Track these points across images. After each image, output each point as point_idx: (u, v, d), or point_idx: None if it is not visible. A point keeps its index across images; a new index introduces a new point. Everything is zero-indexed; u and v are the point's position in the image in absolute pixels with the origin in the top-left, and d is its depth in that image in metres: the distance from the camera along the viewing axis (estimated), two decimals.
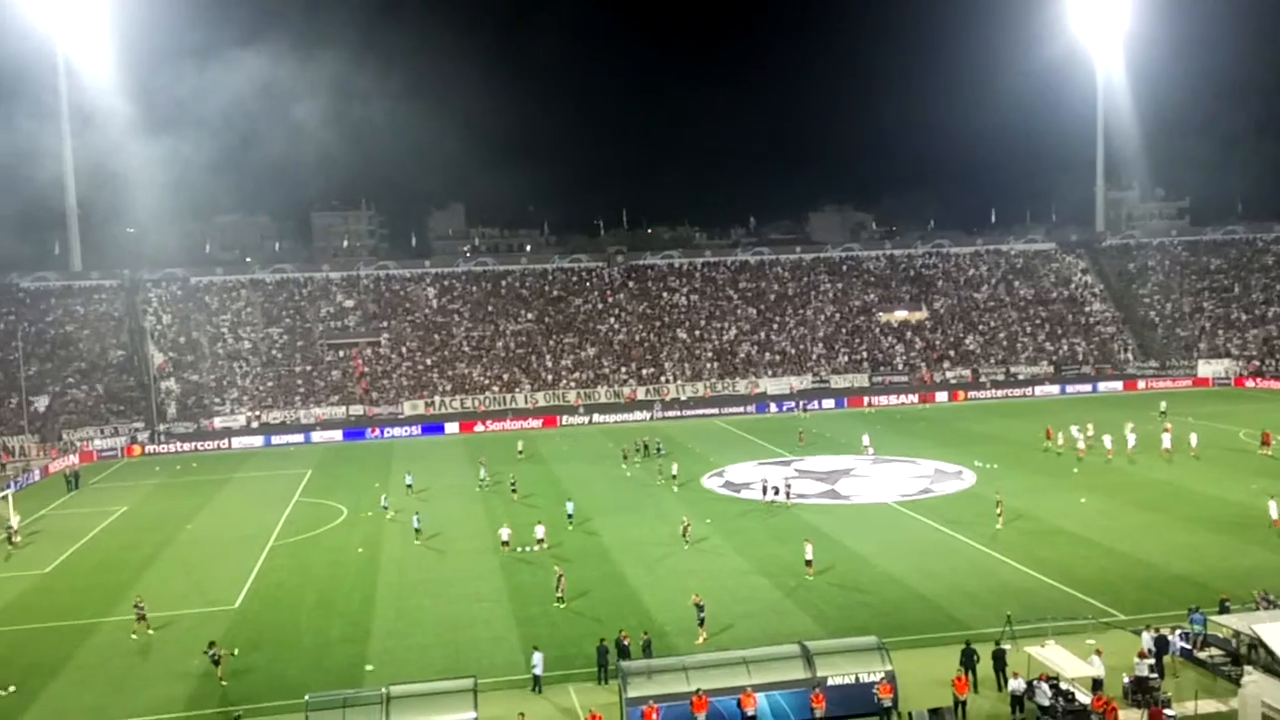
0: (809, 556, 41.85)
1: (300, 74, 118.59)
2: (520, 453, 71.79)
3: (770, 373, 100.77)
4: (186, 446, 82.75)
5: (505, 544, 47.30)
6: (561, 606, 38.95)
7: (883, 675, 28.89)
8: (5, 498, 57.25)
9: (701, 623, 35.23)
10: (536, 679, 31.64)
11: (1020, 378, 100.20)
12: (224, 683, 33.01)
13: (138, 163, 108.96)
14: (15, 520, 54.11)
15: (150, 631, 37.86)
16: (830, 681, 28.96)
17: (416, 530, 50.25)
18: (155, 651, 36.20)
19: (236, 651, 34.56)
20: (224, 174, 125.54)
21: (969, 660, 30.30)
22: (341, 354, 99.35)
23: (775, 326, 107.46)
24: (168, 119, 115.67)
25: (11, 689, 33.20)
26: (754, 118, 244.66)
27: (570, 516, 51.60)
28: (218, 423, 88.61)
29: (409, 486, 61.36)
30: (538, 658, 31.77)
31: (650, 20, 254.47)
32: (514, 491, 58.04)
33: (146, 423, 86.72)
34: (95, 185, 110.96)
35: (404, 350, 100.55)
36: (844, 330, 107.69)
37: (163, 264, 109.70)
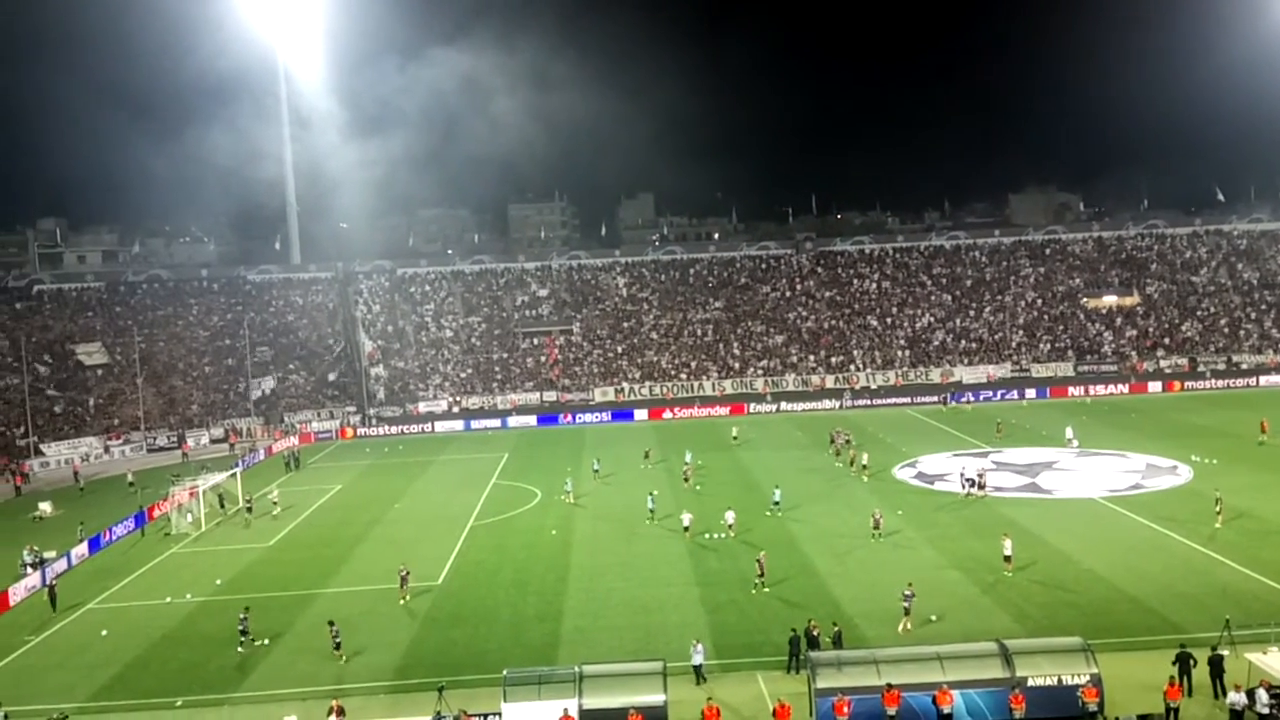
0: (1008, 552, 40.31)
1: (498, 71, 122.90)
2: (735, 438, 72.22)
3: (966, 361, 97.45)
4: (394, 430, 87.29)
5: (686, 529, 47.77)
6: (763, 590, 38.93)
7: (1088, 678, 27.56)
8: (235, 475, 61.94)
9: (906, 611, 34.69)
10: (697, 669, 31.43)
11: (1244, 367, 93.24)
12: (240, 650, 35.56)
13: (348, 161, 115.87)
14: (275, 493, 58.86)
15: (407, 598, 40.16)
16: (1031, 682, 27.83)
17: (650, 511, 50.90)
18: (365, 623, 38.38)
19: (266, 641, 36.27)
20: (427, 169, 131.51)
21: (1184, 666, 28.54)
22: (536, 341, 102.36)
23: (971, 313, 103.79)
24: (375, 119, 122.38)
25: (265, 641, 36.37)
26: (949, 96, 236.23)
27: (777, 503, 51.39)
28: (422, 407, 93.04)
29: (596, 471, 62.76)
30: (699, 648, 31.67)
31: (837, 2, 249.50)
32: (685, 480, 58.03)
33: (358, 407, 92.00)
34: (311, 184, 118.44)
35: (595, 338, 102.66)
36: (1046, 317, 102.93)
37: (372, 256, 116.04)
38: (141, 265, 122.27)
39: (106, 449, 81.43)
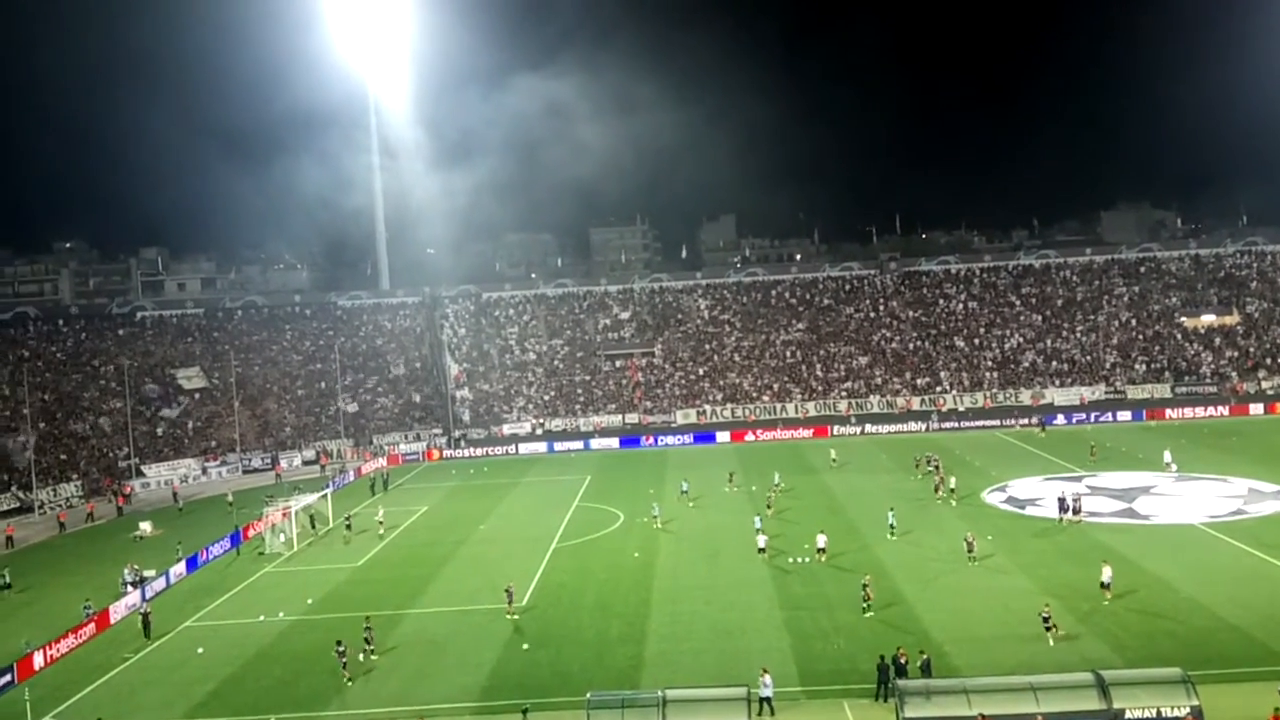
0: (1107, 579, 39.11)
1: (580, 95, 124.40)
2: (834, 461, 71.53)
3: (1057, 382, 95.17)
4: (479, 451, 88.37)
5: (761, 551, 47.41)
6: (866, 614, 38.45)
7: (1188, 710, 26.61)
8: (325, 497, 63.31)
9: (1049, 629, 34.38)
10: (766, 701, 30.49)
11: None
12: (349, 682, 35.14)
13: (435, 188, 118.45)
14: (381, 513, 60.04)
15: (516, 616, 40.73)
16: (1128, 714, 26.99)
17: (758, 531, 50.53)
18: (451, 644, 38.82)
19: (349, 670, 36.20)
20: (510, 195, 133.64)
21: None
22: (618, 364, 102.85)
23: (1063, 334, 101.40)
24: (459, 146, 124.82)
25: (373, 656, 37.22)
26: (1036, 111, 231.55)
27: (893, 527, 50.56)
28: (506, 429, 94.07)
29: (684, 493, 62.62)
30: (768, 680, 30.77)
31: (921, 18, 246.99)
32: (769, 508, 56.54)
33: (444, 429, 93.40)
34: (399, 211, 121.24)
35: (677, 360, 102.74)
36: (1141, 337, 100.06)
37: (458, 281, 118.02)
38: (238, 292, 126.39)
39: (204, 470, 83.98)
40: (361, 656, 37.06)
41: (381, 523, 59.01)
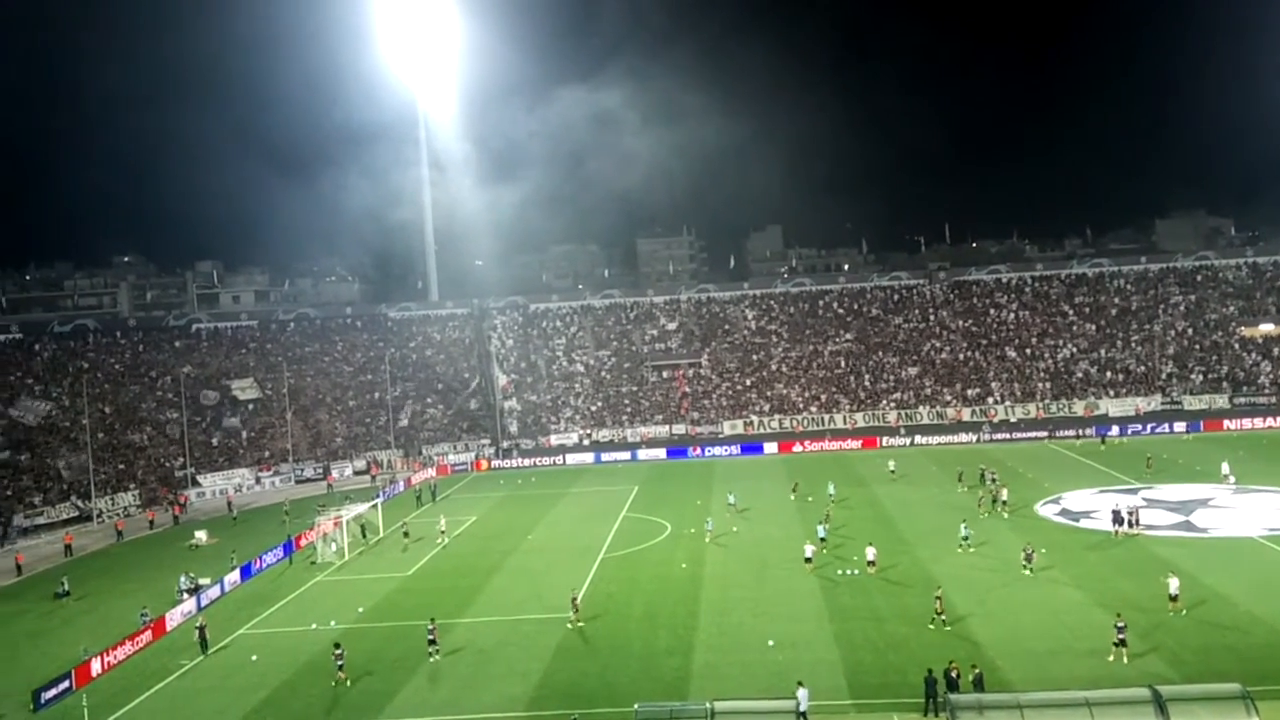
0: (1174, 591, 38.34)
1: (626, 106, 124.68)
2: (892, 472, 70.83)
3: (1112, 393, 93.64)
4: (526, 462, 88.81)
5: (808, 560, 47.28)
6: (944, 628, 38.01)
7: None
8: (376, 506, 63.95)
9: (1121, 644, 33.66)
10: (802, 715, 29.81)
11: None
12: (349, 684, 36.29)
13: (483, 201, 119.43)
14: (443, 522, 60.50)
15: (581, 624, 40.99)
16: None
17: (822, 540, 50.48)
18: (499, 653, 39.02)
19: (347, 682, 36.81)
20: (557, 206, 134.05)
21: None
22: (665, 375, 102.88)
23: (1117, 343, 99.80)
24: (507, 158, 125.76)
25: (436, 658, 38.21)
26: (1088, 118, 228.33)
27: (965, 538, 49.83)
28: (553, 440, 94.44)
29: (731, 505, 62.42)
30: (803, 694, 30.20)
31: (972, 22, 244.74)
32: (827, 520, 55.11)
33: (492, 439, 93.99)
34: (448, 223, 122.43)
35: (723, 371, 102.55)
36: (1199, 347, 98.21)
37: (505, 292, 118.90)
38: (291, 304, 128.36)
39: (258, 480, 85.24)
40: (430, 658, 38.04)
41: (444, 531, 59.57)
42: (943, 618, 38.40)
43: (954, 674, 31.19)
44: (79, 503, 73.30)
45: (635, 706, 29.61)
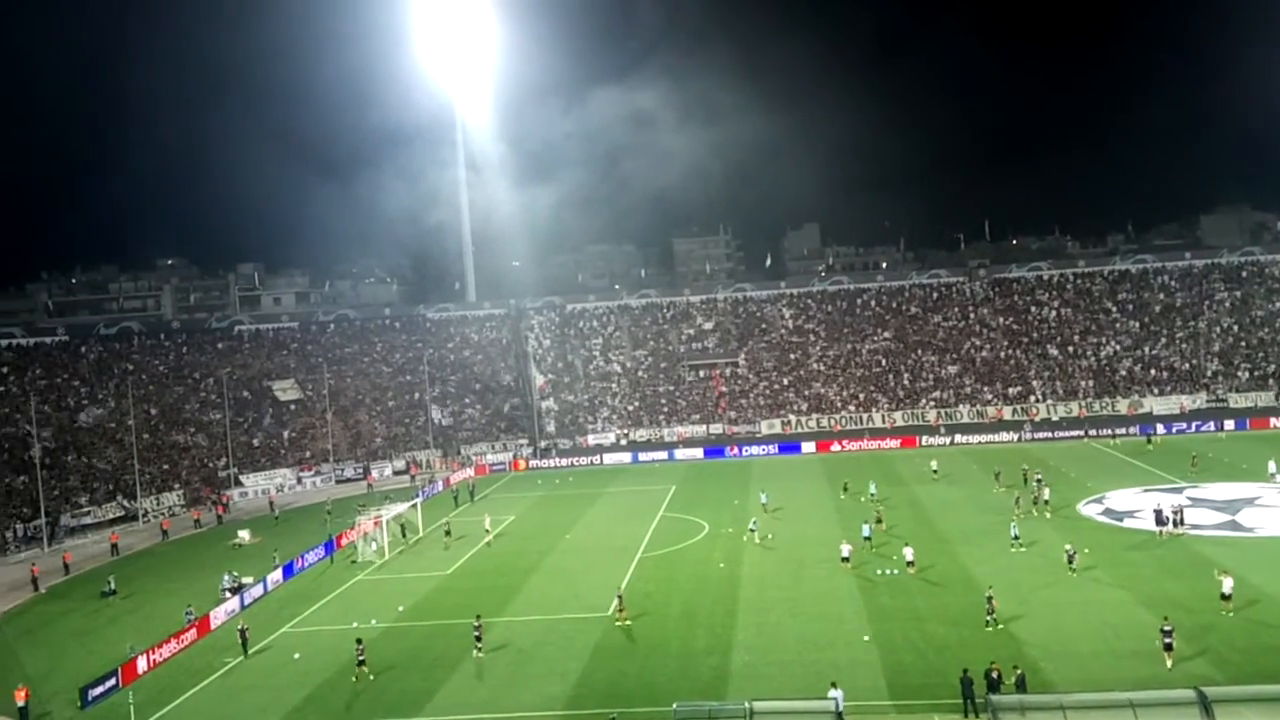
0: (1227, 591, 37.84)
1: (662, 106, 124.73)
2: (935, 472, 70.10)
3: (1156, 391, 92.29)
4: (564, 462, 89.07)
5: (846, 560, 47.06)
6: (997, 627, 37.64)
7: None
8: (415, 506, 64.41)
9: (1168, 648, 33.03)
10: (839, 717, 29.56)
11: None
12: (371, 676, 37.15)
13: (520, 202, 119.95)
14: (488, 521, 60.89)
15: (629, 622, 41.13)
16: None
17: (866, 539, 50.68)
18: (539, 652, 39.17)
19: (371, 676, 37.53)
20: (593, 207, 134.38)
21: None
22: (701, 374, 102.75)
23: (1161, 341, 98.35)
24: (543, 159, 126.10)
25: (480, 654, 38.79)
26: (1130, 112, 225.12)
27: (1016, 538, 49.38)
28: (590, 440, 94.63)
29: (763, 505, 62.14)
30: (837, 694, 29.94)
31: (1012, 15, 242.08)
32: (879, 522, 55.02)
33: (530, 439, 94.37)
34: (485, 224, 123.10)
35: (761, 370, 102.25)
36: (1245, 344, 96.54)
37: (542, 293, 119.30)
38: (331, 305, 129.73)
39: (299, 480, 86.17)
40: (476, 654, 38.53)
41: (489, 530, 59.85)
42: (994, 617, 38.01)
43: (995, 675, 30.90)
44: (125, 502, 74.48)
45: (674, 706, 29.60)
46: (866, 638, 37.69)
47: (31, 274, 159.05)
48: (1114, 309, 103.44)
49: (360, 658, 37.71)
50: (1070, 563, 43.92)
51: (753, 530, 54.83)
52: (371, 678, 37.21)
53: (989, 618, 38.06)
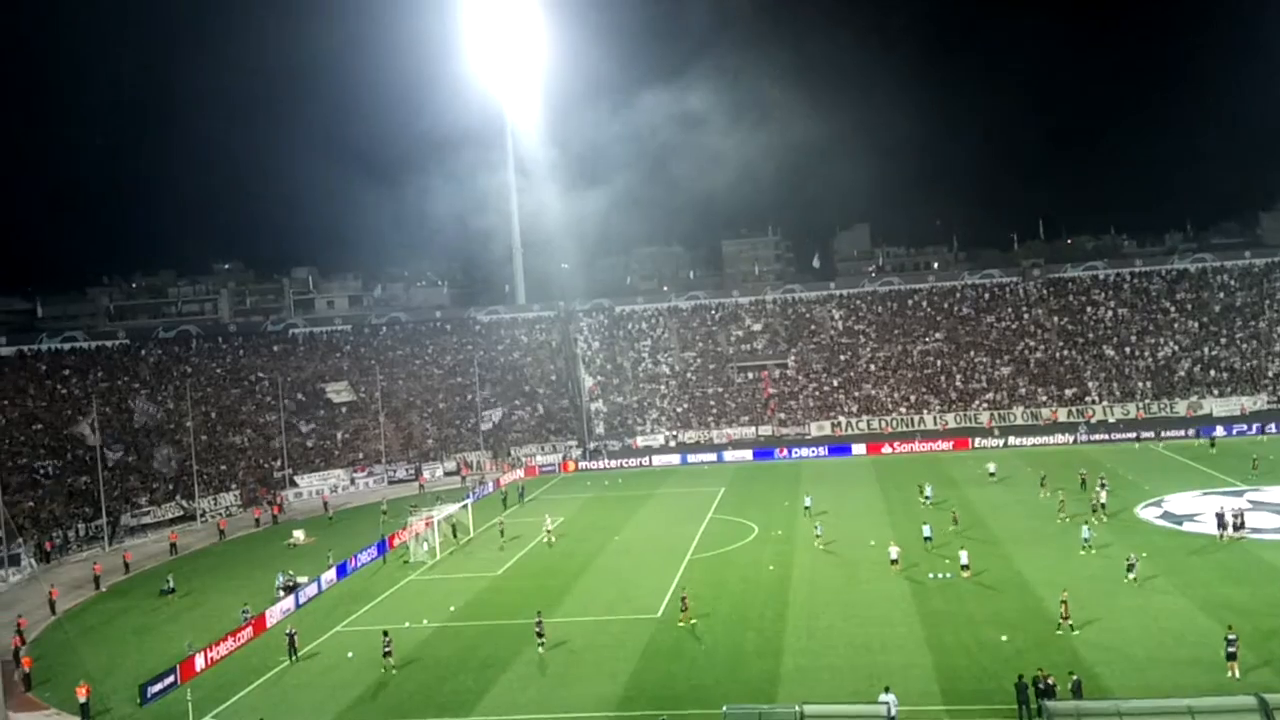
0: None
1: (710, 108, 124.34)
2: (992, 475, 69.20)
3: (1216, 392, 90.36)
4: (613, 463, 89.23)
5: (894, 563, 46.78)
6: (1071, 633, 37.11)
7: None
8: (466, 507, 64.92)
9: (1232, 657, 32.30)
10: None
11: None
12: (394, 670, 38.30)
13: (569, 204, 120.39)
14: (549, 522, 61.27)
15: (693, 622, 41.24)
16: None
17: (927, 540, 50.74)
18: (589, 653, 39.31)
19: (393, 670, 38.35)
20: (642, 209, 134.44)
21: None
22: (750, 376, 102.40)
23: (1221, 341, 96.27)
24: (592, 161, 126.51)
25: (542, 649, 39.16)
26: (1189, 108, 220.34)
27: (1087, 540, 48.72)
28: (640, 441, 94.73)
29: (807, 509, 61.53)
30: (890, 699, 29.65)
31: (1066, 10, 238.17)
32: (955, 523, 54.64)
33: (579, 441, 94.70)
34: (534, 227, 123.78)
35: (810, 371, 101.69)
36: None
37: (591, 295, 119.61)
38: (383, 309, 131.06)
39: (352, 480, 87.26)
40: (538, 649, 39.19)
41: (550, 530, 60.20)
42: (1069, 622, 37.42)
43: (1049, 681, 30.42)
44: (183, 502, 75.91)
45: (724, 709, 29.53)
46: (1005, 638, 37.01)
47: (93, 278, 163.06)
48: (1172, 309, 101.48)
49: (387, 649, 38.67)
50: (1129, 571, 42.89)
51: (818, 535, 53.99)
52: (394, 670, 37.99)
53: (1061, 621, 37.47)
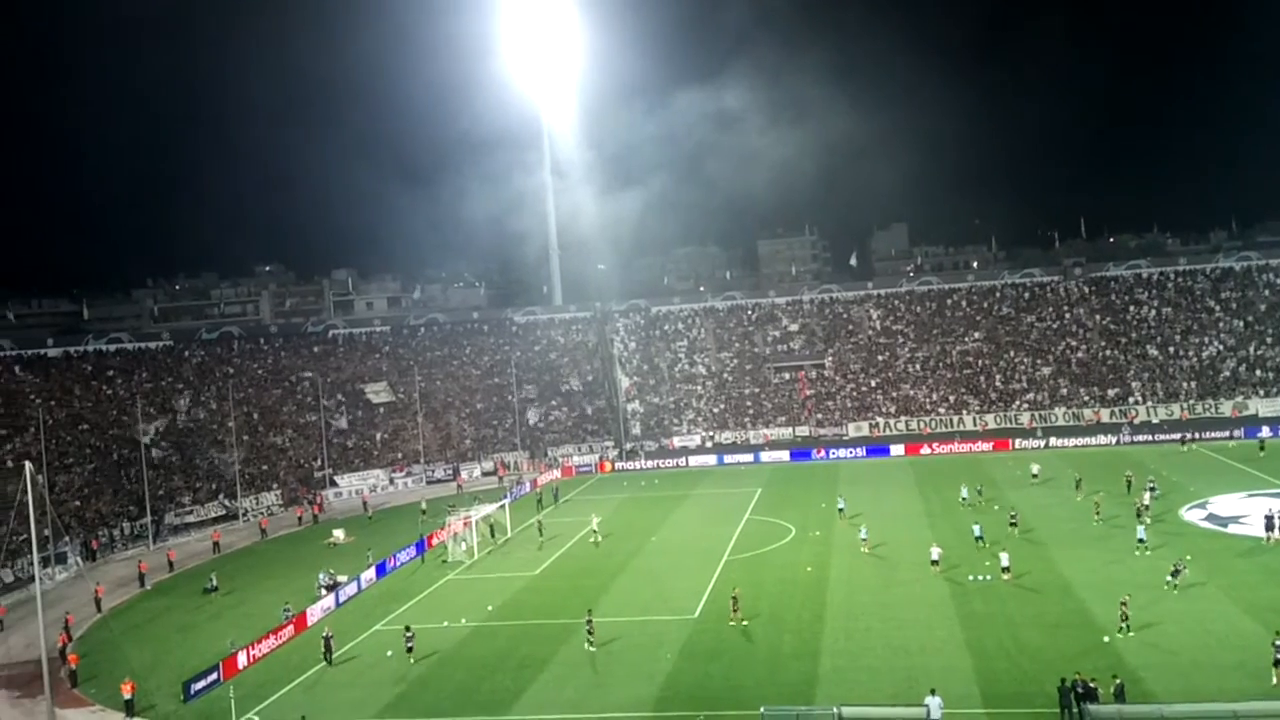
0: None
1: (747, 108, 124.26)
2: (1035, 476, 68.21)
3: (1261, 392, 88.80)
4: (649, 464, 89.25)
5: (935, 563, 46.42)
6: (1129, 635, 36.66)
7: None
8: (504, 507, 65.22)
9: (1278, 663, 31.72)
10: None
11: None
12: (413, 663, 39.62)
13: (605, 206, 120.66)
14: (595, 521, 61.53)
15: (745, 622, 41.32)
16: None
17: (978, 539, 50.64)
18: (626, 654, 39.35)
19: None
20: (679, 209, 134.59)
21: None
22: (787, 376, 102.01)
23: (1267, 340, 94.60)
24: (628, 162, 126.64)
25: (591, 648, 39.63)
26: (1232, 105, 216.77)
27: (1142, 541, 48.21)
28: (676, 442, 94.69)
29: (840, 511, 61.07)
30: (934, 702, 29.37)
31: (1104, 8, 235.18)
32: (1013, 524, 54.06)
33: (615, 441, 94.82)
34: (571, 228, 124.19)
35: (847, 372, 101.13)
36: None
37: (627, 295, 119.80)
38: (421, 310, 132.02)
39: (391, 480, 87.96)
40: (587, 647, 39.63)
41: (597, 530, 60.44)
42: (1127, 624, 36.99)
43: (1091, 685, 30.01)
44: (226, 502, 76.89)
45: (761, 710, 29.51)
46: (1106, 639, 36.56)
47: (138, 281, 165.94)
48: (1217, 308, 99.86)
49: (409, 644, 39.65)
50: (1174, 576, 42.03)
51: (863, 540, 53.28)
52: (413, 662, 39.13)
53: (1123, 624, 37.02)
